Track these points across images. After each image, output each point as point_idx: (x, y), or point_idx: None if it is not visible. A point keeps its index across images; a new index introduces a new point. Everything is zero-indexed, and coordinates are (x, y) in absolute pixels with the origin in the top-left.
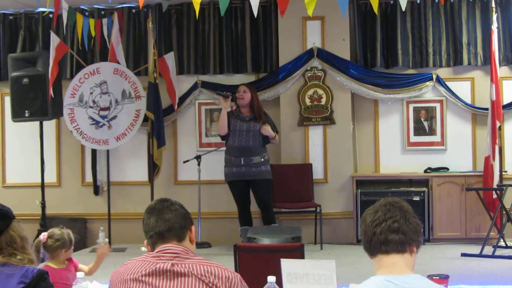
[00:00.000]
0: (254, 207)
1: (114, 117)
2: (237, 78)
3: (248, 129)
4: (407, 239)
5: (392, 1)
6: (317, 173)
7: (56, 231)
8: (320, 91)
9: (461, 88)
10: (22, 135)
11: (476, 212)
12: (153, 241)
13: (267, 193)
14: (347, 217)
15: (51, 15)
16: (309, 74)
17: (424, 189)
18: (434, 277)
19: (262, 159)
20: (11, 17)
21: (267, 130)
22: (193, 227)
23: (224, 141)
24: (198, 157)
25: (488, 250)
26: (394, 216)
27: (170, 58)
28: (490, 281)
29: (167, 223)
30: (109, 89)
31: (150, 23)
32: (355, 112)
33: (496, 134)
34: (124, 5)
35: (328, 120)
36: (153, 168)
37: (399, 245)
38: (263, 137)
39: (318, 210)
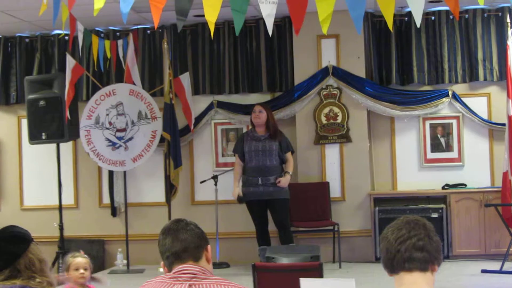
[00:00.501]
0: (272, 227)
1: (131, 138)
2: (252, 98)
3: (264, 148)
4: (431, 258)
5: (406, 18)
6: (334, 191)
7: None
8: (336, 109)
9: (478, 104)
10: (39, 158)
11: (495, 228)
12: (169, 262)
13: (284, 213)
14: (365, 235)
15: (66, 37)
16: (324, 92)
17: (442, 206)
18: None
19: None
20: (27, 40)
21: (283, 184)
22: (209, 247)
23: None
24: (215, 177)
25: (508, 266)
26: (418, 234)
27: (185, 79)
28: None
29: (182, 243)
30: (125, 110)
31: (165, 43)
32: (371, 129)
33: None
34: (139, 26)
35: (344, 138)
36: (170, 188)
37: (423, 263)
38: (280, 157)
39: (336, 229)
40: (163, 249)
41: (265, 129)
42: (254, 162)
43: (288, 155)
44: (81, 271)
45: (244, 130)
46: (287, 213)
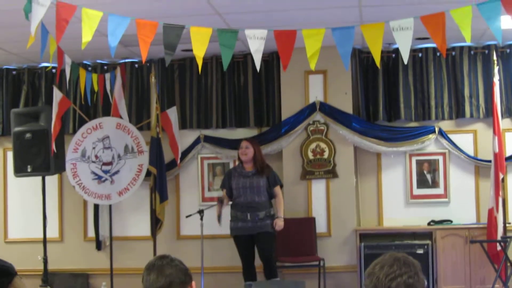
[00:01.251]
0: (258, 262)
1: (117, 172)
2: (239, 132)
3: (252, 185)
4: None
5: (394, 55)
6: (320, 226)
7: None
8: (323, 145)
9: (464, 141)
10: (24, 190)
11: (480, 264)
12: None
13: (270, 247)
14: (351, 271)
15: (54, 70)
16: (311, 128)
17: (428, 242)
18: None
19: (268, 214)
20: (14, 72)
21: (280, 226)
22: (193, 283)
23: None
24: (200, 212)
25: None
26: (409, 271)
27: (172, 113)
28: None
29: (167, 278)
30: (112, 144)
31: (153, 77)
32: (358, 165)
33: (499, 186)
34: (127, 60)
35: (331, 173)
36: (155, 223)
37: None
38: (268, 192)
39: (321, 264)
40: (147, 285)
41: (253, 164)
42: (242, 198)
43: (277, 189)
44: None
45: (231, 165)
46: (273, 247)
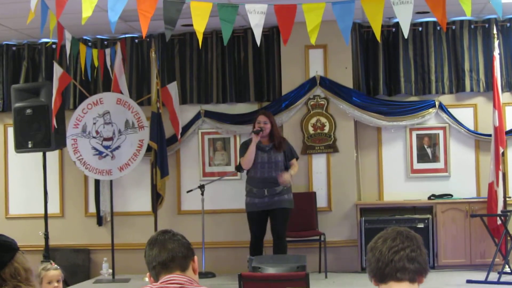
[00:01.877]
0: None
1: (118, 147)
2: (240, 107)
3: (270, 160)
4: (421, 269)
5: (394, 29)
6: (321, 201)
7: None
8: (323, 119)
9: (464, 115)
10: (25, 166)
11: (480, 238)
12: (156, 272)
13: (284, 224)
14: (352, 245)
15: (54, 46)
16: (312, 103)
17: (428, 216)
18: None
19: (284, 188)
20: (14, 48)
21: (285, 180)
22: (195, 257)
23: (236, 171)
24: (201, 187)
25: (493, 276)
26: (411, 245)
27: (173, 88)
28: None
29: (170, 252)
30: (112, 119)
31: (153, 53)
32: (358, 140)
33: (499, 160)
34: (127, 35)
35: (331, 148)
36: (156, 198)
37: (414, 274)
38: (285, 167)
39: (322, 239)
40: (150, 259)
41: (269, 138)
42: (259, 174)
43: (293, 162)
44: (55, 284)
45: (232, 140)
46: (287, 224)
